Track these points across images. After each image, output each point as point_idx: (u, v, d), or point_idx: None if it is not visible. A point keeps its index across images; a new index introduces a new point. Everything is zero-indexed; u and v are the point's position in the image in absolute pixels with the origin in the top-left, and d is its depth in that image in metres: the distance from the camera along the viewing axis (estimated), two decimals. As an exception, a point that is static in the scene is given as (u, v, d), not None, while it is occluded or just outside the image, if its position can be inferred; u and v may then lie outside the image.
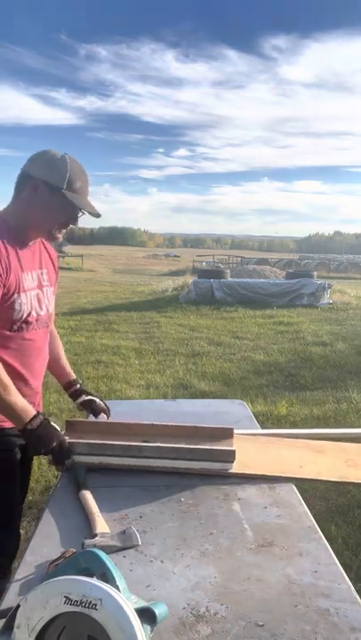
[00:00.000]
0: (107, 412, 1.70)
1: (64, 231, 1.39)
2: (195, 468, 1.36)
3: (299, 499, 1.28)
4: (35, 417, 1.24)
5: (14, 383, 1.32)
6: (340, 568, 1.01)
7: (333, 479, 1.38)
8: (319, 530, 1.14)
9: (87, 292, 13.85)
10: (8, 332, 1.32)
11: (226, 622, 0.85)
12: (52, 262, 1.52)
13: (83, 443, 1.37)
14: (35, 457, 1.59)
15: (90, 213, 1.35)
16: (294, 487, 1.34)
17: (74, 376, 1.69)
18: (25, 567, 1.00)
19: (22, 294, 1.32)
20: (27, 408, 1.24)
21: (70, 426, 1.58)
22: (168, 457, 1.36)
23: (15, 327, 1.33)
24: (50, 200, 1.30)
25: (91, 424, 1.62)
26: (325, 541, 1.10)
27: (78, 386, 1.68)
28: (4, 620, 0.76)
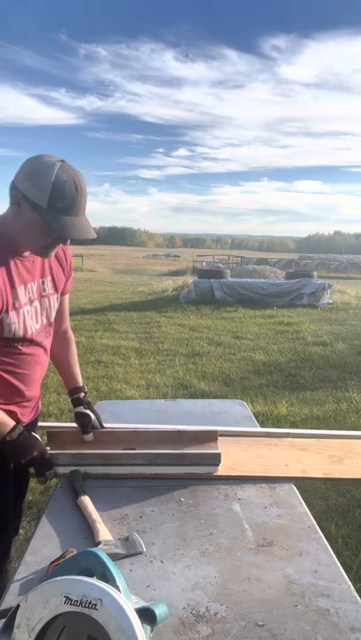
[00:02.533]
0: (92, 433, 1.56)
1: (56, 249, 1.26)
2: (180, 472, 1.36)
3: (299, 499, 1.28)
4: (13, 428, 1.22)
5: (7, 394, 1.31)
6: (340, 568, 1.01)
7: (319, 476, 1.40)
8: (319, 530, 1.14)
9: (87, 292, 13.85)
10: (3, 348, 1.26)
11: (226, 622, 0.85)
12: (61, 265, 1.42)
13: (65, 453, 1.36)
14: None
15: (73, 240, 1.19)
16: (294, 487, 1.34)
17: (81, 383, 1.61)
18: (25, 567, 1.00)
19: (12, 312, 1.22)
20: (4, 420, 1.22)
21: (52, 436, 1.56)
22: (153, 463, 1.35)
23: (9, 344, 1.27)
24: (32, 219, 1.14)
25: (73, 434, 1.57)
26: (325, 541, 1.10)
27: (82, 395, 1.58)
28: (4, 619, 0.76)
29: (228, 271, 14.48)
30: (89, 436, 1.53)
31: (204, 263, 27.96)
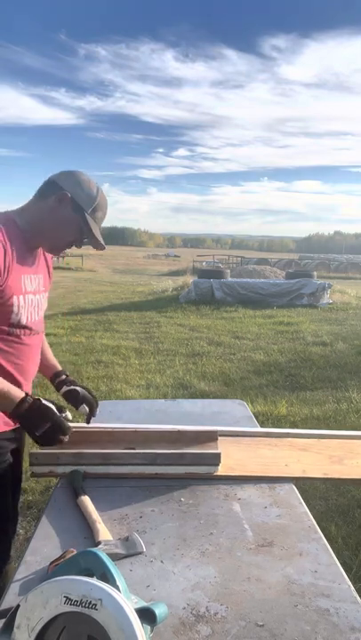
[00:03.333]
0: (92, 403, 1.57)
1: (65, 250, 1.41)
2: (180, 472, 1.36)
3: (299, 499, 1.28)
4: (22, 401, 1.18)
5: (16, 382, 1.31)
6: (340, 568, 1.01)
7: (319, 476, 1.40)
8: (319, 530, 1.14)
9: (87, 292, 13.85)
10: (5, 336, 1.30)
11: (226, 622, 0.85)
12: (48, 268, 1.50)
13: (65, 453, 1.36)
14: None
15: (95, 245, 1.38)
16: (294, 487, 1.34)
17: (59, 367, 1.64)
18: (25, 567, 1.00)
19: (21, 297, 1.30)
20: (11, 393, 1.18)
21: None
22: (153, 463, 1.35)
23: (12, 330, 1.30)
24: (69, 216, 1.31)
25: (73, 433, 1.57)
26: (325, 541, 1.10)
27: (64, 377, 1.60)
28: (4, 619, 0.76)
29: (228, 271, 14.48)
30: (82, 408, 1.54)
31: (204, 263, 27.97)
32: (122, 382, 4.96)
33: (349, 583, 0.96)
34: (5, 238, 1.23)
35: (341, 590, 0.94)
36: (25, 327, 1.33)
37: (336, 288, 13.08)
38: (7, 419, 1.30)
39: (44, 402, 1.21)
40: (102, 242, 1.38)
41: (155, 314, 9.79)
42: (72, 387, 1.57)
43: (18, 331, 1.32)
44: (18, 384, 1.34)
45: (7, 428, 1.35)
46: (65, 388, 1.57)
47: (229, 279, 12.64)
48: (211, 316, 9.70)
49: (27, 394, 1.21)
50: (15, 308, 1.28)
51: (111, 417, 1.87)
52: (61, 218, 1.31)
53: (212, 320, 9.13)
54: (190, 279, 13.31)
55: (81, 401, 1.55)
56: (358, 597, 0.92)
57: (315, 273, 13.37)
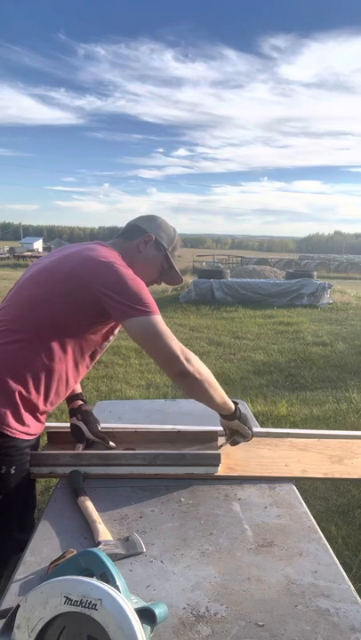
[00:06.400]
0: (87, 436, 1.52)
1: (150, 286, 1.50)
2: (180, 473, 1.36)
3: (299, 499, 1.28)
4: (235, 404, 1.43)
5: (60, 394, 1.36)
6: (340, 568, 1.01)
7: (319, 476, 1.40)
8: (319, 530, 1.14)
9: (87, 292, 13.84)
10: (87, 356, 1.38)
11: (226, 622, 0.85)
12: None
13: (65, 453, 1.36)
14: None
15: (174, 281, 1.55)
16: (294, 487, 1.34)
17: (78, 389, 1.61)
18: (25, 567, 1.00)
19: (116, 330, 1.44)
20: (226, 397, 1.39)
21: (52, 436, 1.56)
22: (153, 463, 1.35)
23: (93, 353, 1.40)
24: (154, 256, 1.46)
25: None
26: (325, 541, 1.10)
27: (79, 403, 1.57)
28: (4, 619, 0.76)
29: (228, 271, 14.47)
30: (79, 446, 1.51)
31: (204, 263, 27.94)
32: (122, 382, 4.96)
33: (349, 583, 0.96)
34: None
35: (341, 590, 0.94)
36: (99, 352, 1.44)
37: (336, 288, 13.07)
38: (33, 427, 1.29)
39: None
40: (180, 279, 1.56)
41: (155, 314, 9.78)
42: (79, 423, 1.54)
43: (97, 353, 1.43)
44: (60, 395, 1.38)
45: (33, 437, 1.32)
46: (72, 420, 1.55)
47: (229, 279, 12.63)
48: (211, 316, 9.70)
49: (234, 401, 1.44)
50: (111, 337, 1.44)
51: (111, 417, 1.88)
52: (148, 257, 1.45)
53: (212, 320, 9.12)
54: (190, 279, 13.30)
55: (83, 441, 1.52)
56: (358, 597, 0.92)
57: (315, 273, 13.36)
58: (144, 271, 1.43)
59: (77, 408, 1.55)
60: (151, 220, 1.51)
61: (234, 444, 1.48)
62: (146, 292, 1.28)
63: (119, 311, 1.24)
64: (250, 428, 1.46)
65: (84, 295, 1.25)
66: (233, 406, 1.41)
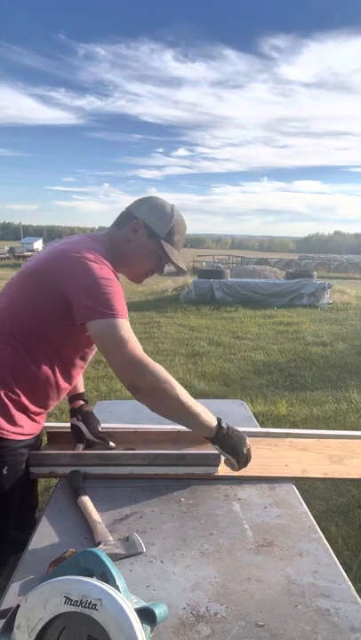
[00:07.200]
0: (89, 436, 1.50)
1: (150, 276, 1.40)
2: (180, 473, 1.35)
3: (299, 499, 1.28)
4: (219, 421, 1.27)
5: (51, 396, 1.32)
6: (340, 568, 1.01)
7: (319, 476, 1.40)
8: (319, 530, 1.14)
9: (87, 292, 13.84)
10: (79, 360, 1.34)
11: (226, 622, 0.85)
12: None
13: (65, 453, 1.36)
14: None
15: (177, 268, 1.36)
16: (294, 487, 1.34)
17: (81, 389, 1.59)
18: (25, 567, 1.00)
19: None
20: (209, 414, 1.26)
21: (52, 436, 1.56)
22: (153, 463, 1.35)
23: (83, 355, 1.34)
24: (145, 244, 1.32)
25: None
26: (325, 541, 1.10)
27: (81, 403, 1.55)
28: (4, 620, 0.76)
29: (228, 271, 14.46)
30: (79, 446, 1.49)
31: (204, 263, 27.93)
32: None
33: (349, 583, 0.96)
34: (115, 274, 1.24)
35: (341, 590, 0.94)
36: (89, 354, 1.38)
37: (336, 288, 13.07)
38: (27, 428, 1.28)
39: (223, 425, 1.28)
40: (182, 265, 1.37)
41: (155, 314, 9.78)
42: (79, 423, 1.52)
43: (88, 355, 1.37)
44: (57, 397, 1.37)
45: (28, 437, 1.31)
46: (73, 420, 1.53)
47: (229, 279, 12.63)
48: (211, 315, 9.70)
49: (218, 418, 1.28)
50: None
51: (111, 417, 1.87)
52: (138, 247, 1.32)
53: (212, 320, 9.12)
54: (190, 279, 13.30)
55: (83, 441, 1.50)
56: (358, 597, 0.92)
57: (315, 273, 13.36)
58: (135, 261, 1.34)
59: (78, 408, 1.54)
60: (144, 203, 1.35)
61: (227, 464, 1.35)
62: (114, 293, 1.17)
63: (81, 312, 1.16)
64: (236, 457, 1.28)
65: (50, 297, 1.18)
66: (211, 430, 1.25)
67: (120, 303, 1.18)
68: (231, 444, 1.27)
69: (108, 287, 1.16)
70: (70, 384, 1.38)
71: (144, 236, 1.32)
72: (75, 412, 1.54)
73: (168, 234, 1.33)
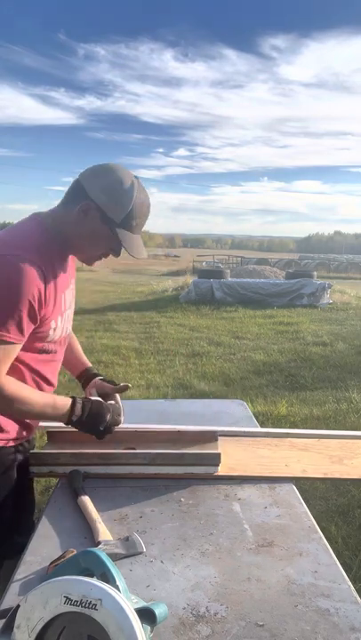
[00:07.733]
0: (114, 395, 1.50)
1: (103, 259, 1.27)
2: (180, 472, 1.35)
3: (299, 499, 1.28)
4: (73, 404, 1.23)
5: None
6: (340, 568, 1.01)
7: (319, 476, 1.40)
8: (319, 530, 1.14)
9: (87, 291, 13.84)
10: (37, 354, 1.22)
11: (226, 622, 0.85)
12: (73, 267, 1.39)
13: (65, 453, 1.36)
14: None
15: (133, 256, 1.18)
16: (294, 487, 1.34)
17: (89, 363, 1.58)
18: (25, 567, 1.00)
19: (59, 318, 1.21)
20: (60, 402, 1.21)
21: (52, 436, 1.55)
22: (153, 463, 1.35)
23: (46, 348, 1.23)
24: (96, 230, 1.15)
25: (73, 434, 1.51)
26: (325, 541, 1.10)
27: (92, 373, 1.55)
28: (4, 620, 0.76)
29: (228, 271, 14.46)
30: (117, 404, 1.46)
31: (204, 263, 27.94)
32: (122, 382, 4.96)
33: (349, 583, 0.96)
34: (42, 264, 1.09)
35: (341, 590, 0.94)
36: (56, 342, 1.27)
37: (336, 288, 13.07)
38: (14, 432, 1.27)
39: (92, 398, 1.23)
40: (141, 253, 1.19)
41: (155, 314, 9.78)
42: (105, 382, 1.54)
43: (51, 346, 1.25)
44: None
45: (17, 442, 1.30)
46: (96, 379, 1.54)
47: (229, 279, 12.63)
48: (211, 315, 9.70)
49: (73, 397, 1.23)
50: (52, 331, 1.20)
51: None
52: (89, 231, 1.15)
53: (212, 320, 9.12)
54: (190, 279, 13.30)
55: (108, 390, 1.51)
56: (358, 597, 0.92)
57: (315, 273, 13.36)
58: (85, 246, 1.20)
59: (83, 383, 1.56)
60: (99, 176, 1.13)
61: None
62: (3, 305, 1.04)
63: None
64: (96, 435, 1.28)
65: None
66: (64, 411, 1.21)
67: (3, 316, 1.04)
68: (88, 427, 1.28)
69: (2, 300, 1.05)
70: (51, 381, 1.33)
71: (96, 220, 1.13)
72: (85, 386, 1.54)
73: (125, 218, 1.13)
